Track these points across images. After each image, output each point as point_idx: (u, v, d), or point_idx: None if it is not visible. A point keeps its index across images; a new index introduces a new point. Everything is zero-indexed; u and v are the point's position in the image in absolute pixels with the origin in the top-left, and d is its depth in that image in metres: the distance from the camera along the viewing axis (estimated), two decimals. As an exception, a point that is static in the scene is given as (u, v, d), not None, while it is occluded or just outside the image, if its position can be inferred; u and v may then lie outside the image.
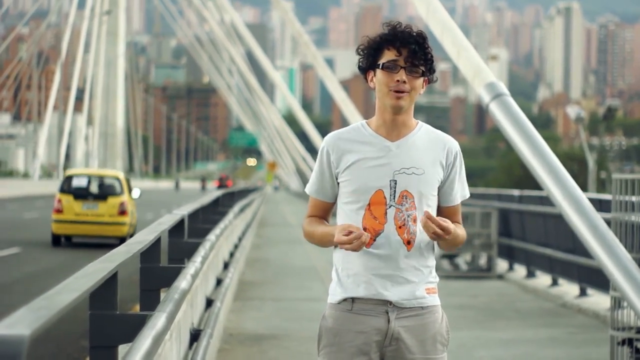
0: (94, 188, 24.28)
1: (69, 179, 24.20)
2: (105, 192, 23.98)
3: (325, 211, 3.97)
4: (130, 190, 24.81)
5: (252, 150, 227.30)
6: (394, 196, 3.80)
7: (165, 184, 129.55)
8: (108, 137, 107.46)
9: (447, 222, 3.74)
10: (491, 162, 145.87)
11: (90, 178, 24.42)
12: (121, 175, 24.97)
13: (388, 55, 3.79)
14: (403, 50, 3.77)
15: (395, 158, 3.81)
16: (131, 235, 21.34)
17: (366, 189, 3.81)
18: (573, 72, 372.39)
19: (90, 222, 23.39)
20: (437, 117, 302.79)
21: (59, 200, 23.52)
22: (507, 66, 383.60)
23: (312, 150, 73.13)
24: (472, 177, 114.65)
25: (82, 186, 23.98)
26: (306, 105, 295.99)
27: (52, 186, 79.98)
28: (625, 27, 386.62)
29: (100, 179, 24.68)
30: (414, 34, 3.78)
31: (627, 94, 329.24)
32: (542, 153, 8.95)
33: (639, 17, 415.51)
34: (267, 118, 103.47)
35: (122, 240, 23.05)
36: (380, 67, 3.79)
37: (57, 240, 23.44)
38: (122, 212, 23.53)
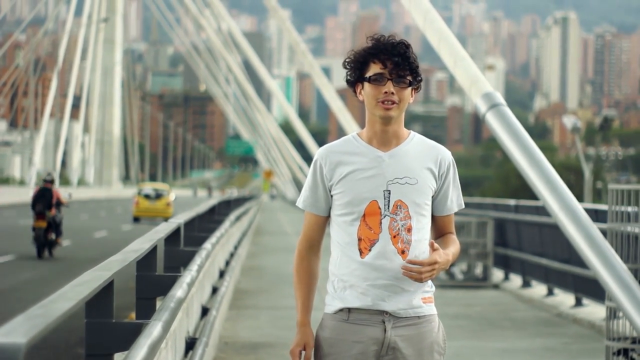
0: (153, 193, 45.45)
1: (141, 189, 46.25)
2: (159, 195, 45.43)
3: (319, 227, 3.95)
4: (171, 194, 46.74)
5: (249, 158, 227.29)
6: (389, 206, 3.80)
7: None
8: (104, 145, 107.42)
9: (435, 254, 3.76)
10: (487, 171, 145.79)
11: (152, 189, 46.26)
12: (168, 186, 49.37)
13: (374, 69, 3.81)
14: (388, 62, 3.78)
15: (388, 168, 3.82)
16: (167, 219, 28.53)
17: (360, 200, 3.81)
18: (570, 82, 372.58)
19: (152, 210, 44.30)
20: (433, 126, 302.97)
21: (137, 199, 44.76)
22: (504, 76, 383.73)
23: (309, 159, 73.08)
24: (468, 187, 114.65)
25: (148, 193, 45.47)
26: (303, 114, 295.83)
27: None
28: (622, 38, 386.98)
29: (157, 189, 46.35)
30: (397, 45, 3.80)
31: (623, 104, 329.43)
32: (538, 163, 8.97)
33: (635, 28, 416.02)
34: (264, 126, 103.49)
35: (166, 219, 34.76)
36: (368, 80, 3.81)
37: (135, 220, 43.36)
38: (168, 205, 44.89)
